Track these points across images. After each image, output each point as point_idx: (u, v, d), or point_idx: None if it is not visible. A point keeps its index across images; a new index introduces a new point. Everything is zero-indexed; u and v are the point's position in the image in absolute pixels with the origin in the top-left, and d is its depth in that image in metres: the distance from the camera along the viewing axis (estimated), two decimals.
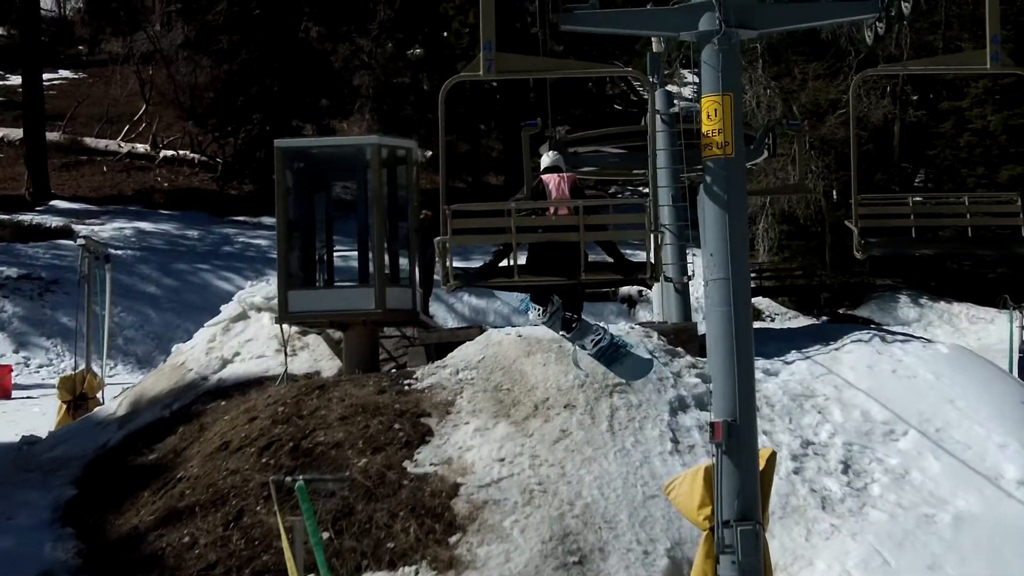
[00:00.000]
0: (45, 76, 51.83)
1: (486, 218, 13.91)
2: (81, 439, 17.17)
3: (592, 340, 14.36)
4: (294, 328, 16.82)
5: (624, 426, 13.19)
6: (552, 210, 13.97)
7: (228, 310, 18.39)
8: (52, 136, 47.74)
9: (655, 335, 14.94)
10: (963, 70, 13.47)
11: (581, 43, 42.53)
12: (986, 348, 33.37)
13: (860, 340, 15.69)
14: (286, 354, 16.15)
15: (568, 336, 14.48)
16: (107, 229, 40.22)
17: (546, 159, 15.20)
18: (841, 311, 39.21)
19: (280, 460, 13.13)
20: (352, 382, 14.55)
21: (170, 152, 49.36)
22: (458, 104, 38.89)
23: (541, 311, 14.93)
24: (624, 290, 35.94)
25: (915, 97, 41.77)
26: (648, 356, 14.28)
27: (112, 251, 36.85)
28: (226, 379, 16.73)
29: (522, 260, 13.62)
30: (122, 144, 49.78)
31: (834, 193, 39.85)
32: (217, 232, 41.69)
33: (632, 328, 15.17)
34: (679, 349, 14.80)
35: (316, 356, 16.90)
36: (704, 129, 10.52)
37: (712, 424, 10.33)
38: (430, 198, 39.22)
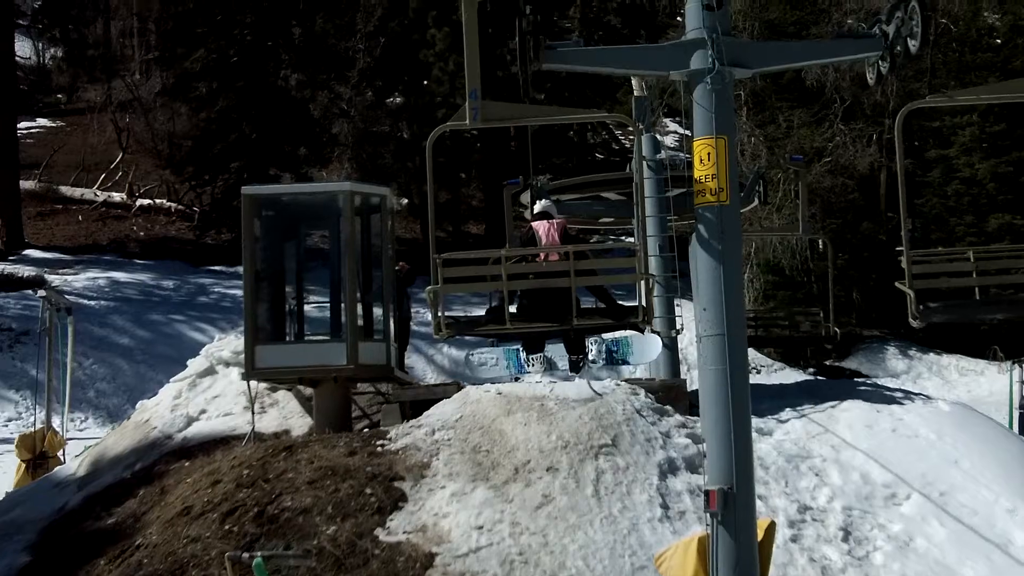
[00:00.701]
0: (23, 124, 51.05)
1: (476, 266, 13.19)
2: (38, 501, 16.28)
3: (600, 354, 14.25)
4: (263, 384, 15.99)
5: (611, 491, 12.39)
6: (542, 256, 13.41)
7: (195, 365, 17.55)
8: (28, 185, 46.97)
9: (642, 392, 14.19)
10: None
11: (562, 91, 42.11)
12: (977, 401, 32.68)
13: (857, 397, 14.99)
14: (253, 412, 15.30)
15: (577, 375, 14.26)
16: (80, 279, 39.39)
17: (538, 206, 14.82)
18: (828, 362, 38.52)
19: (244, 527, 12.29)
20: (322, 443, 13.72)
21: (147, 201, 48.55)
22: (439, 153, 38.24)
23: (539, 358, 14.56)
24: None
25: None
26: (653, 336, 14.05)
27: (85, 302, 36.31)
28: (191, 438, 15.86)
29: (512, 309, 13.06)
30: (98, 193, 48.99)
31: (820, 243, 39.26)
32: (193, 282, 40.82)
33: (618, 385, 14.42)
34: (668, 407, 14.06)
35: (286, 413, 16.08)
36: (696, 174, 9.85)
37: (706, 492, 9.61)
38: (409, 247, 38.46)
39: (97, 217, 47.63)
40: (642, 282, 11.61)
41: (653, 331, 15.09)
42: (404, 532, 11.99)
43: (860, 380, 25.27)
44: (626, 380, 15.17)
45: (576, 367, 14.30)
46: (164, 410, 16.81)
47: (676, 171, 16.20)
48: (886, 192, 41.10)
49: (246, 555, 9.13)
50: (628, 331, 14.20)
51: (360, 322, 15.34)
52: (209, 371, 17.23)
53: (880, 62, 10.20)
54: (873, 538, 12.34)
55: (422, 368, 33.12)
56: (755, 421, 13.50)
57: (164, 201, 48.60)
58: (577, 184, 18.54)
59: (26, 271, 39.36)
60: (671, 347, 15.80)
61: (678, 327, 15.76)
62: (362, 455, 13.19)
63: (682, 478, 12.77)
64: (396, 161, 45.08)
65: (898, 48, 9.70)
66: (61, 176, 50.33)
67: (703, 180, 9.77)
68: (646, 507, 12.21)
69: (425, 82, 44.97)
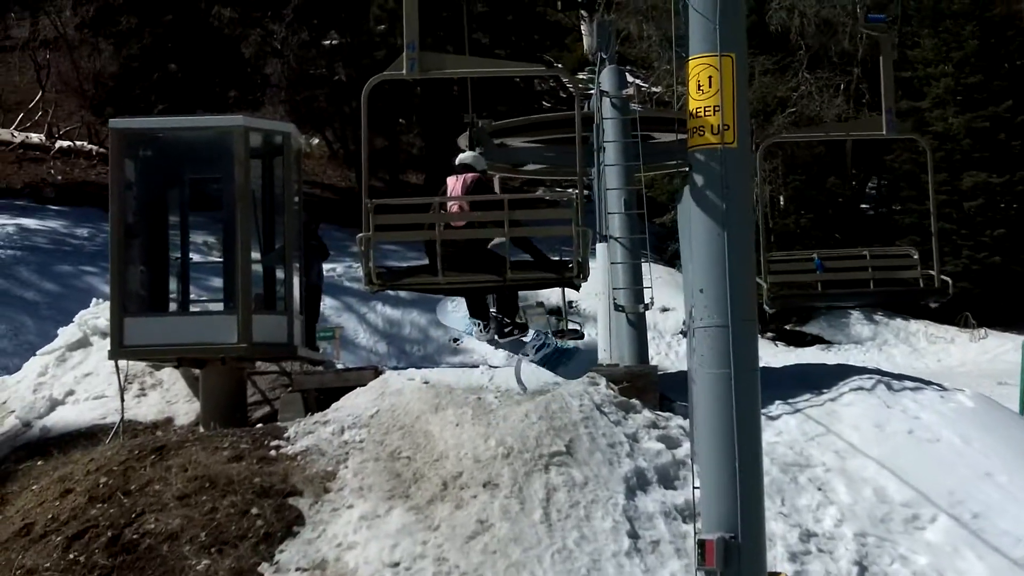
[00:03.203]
0: None
1: (410, 214, 11.39)
2: None
3: (533, 347, 12.38)
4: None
5: (565, 514, 9.73)
6: (448, 209, 11.55)
7: (66, 334, 14.68)
8: None
9: (603, 383, 11.55)
10: None
11: (508, 35, 39.63)
12: (947, 371, 30.33)
13: (861, 388, 12.42)
14: (123, 400, 12.47)
15: (501, 343, 12.59)
16: None
17: (460, 157, 12.58)
18: (788, 327, 36.17)
19: (93, 557, 9.56)
20: (201, 443, 10.89)
21: (67, 143, 45.33)
22: (376, 99, 35.34)
23: (482, 326, 12.73)
24: (553, 302, 32.64)
25: (869, 98, 38.81)
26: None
27: None
28: (51, 428, 13.03)
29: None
30: (15, 133, 45.70)
31: (781, 199, 36.84)
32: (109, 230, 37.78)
33: None
34: (634, 402, 11.41)
35: (170, 397, 13.31)
36: (692, 106, 7.21)
37: (700, 542, 7.03)
38: (343, 196, 35.44)
39: (13, 159, 44.50)
40: (577, 234, 10.29)
41: (618, 307, 12.46)
42: (297, 569, 9.27)
43: (860, 365, 21.77)
44: None
45: (503, 332, 12.48)
46: (25, 390, 13.96)
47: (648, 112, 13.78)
48: (852, 147, 38.70)
49: None
50: (577, 342, 12.26)
51: (260, 290, 12.59)
52: (82, 342, 14.40)
53: None
54: (895, 574, 9.81)
55: (353, 328, 30.34)
56: None
57: (85, 143, 45.48)
58: (524, 125, 15.79)
59: None
60: (638, 325, 13.01)
61: (646, 301, 13.02)
62: (250, 461, 10.44)
63: (654, 496, 10.14)
64: (331, 105, 42.38)
65: None
66: None
67: (701, 114, 7.13)
68: (610, 536, 9.56)
69: (364, 23, 42.29)
